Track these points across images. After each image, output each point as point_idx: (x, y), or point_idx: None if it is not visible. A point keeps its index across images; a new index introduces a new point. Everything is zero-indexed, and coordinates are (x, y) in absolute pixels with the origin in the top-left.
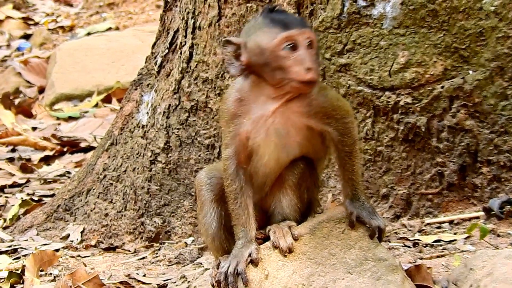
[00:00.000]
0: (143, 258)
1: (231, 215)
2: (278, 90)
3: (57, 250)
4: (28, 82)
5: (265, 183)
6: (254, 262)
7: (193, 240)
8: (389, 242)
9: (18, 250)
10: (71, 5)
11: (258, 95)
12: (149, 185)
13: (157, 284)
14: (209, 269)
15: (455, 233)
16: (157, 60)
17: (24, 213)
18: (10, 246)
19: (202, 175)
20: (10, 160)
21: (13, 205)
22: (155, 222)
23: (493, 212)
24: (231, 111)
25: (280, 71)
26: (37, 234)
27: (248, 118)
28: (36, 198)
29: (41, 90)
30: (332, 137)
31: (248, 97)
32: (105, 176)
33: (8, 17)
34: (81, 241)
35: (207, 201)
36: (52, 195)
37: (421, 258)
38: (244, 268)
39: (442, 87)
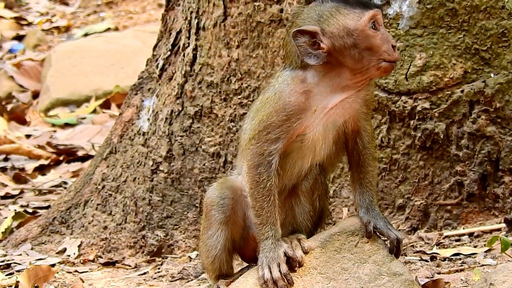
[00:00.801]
0: (145, 273)
1: (257, 213)
2: (358, 76)
3: (53, 265)
4: (21, 86)
5: (286, 188)
6: (293, 260)
7: (197, 254)
8: (406, 255)
9: (12, 265)
10: (67, 4)
11: (327, 86)
12: (151, 196)
13: None
14: None
15: (475, 246)
16: (158, 63)
17: (18, 226)
18: (3, 261)
19: (214, 193)
20: (3, 169)
21: (6, 217)
22: (157, 235)
23: None
24: (295, 104)
25: (369, 51)
26: (32, 248)
27: (312, 112)
28: (30, 210)
29: (35, 95)
30: (362, 136)
31: (313, 89)
32: (103, 187)
33: None
34: (79, 256)
35: (216, 222)
36: (48, 207)
37: (439, 273)
38: (287, 269)
39: (462, 91)
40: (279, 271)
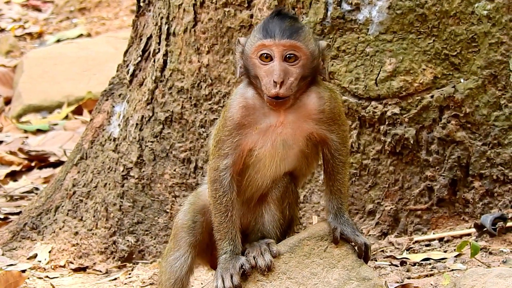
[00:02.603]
0: (115, 279)
1: (216, 228)
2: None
3: (23, 271)
4: None
5: (253, 198)
6: (247, 274)
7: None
8: (376, 260)
9: None
10: (39, 10)
11: (263, 103)
12: (121, 202)
13: None
14: None
15: (445, 251)
16: (129, 69)
17: None
18: None
19: (186, 216)
20: None
21: None
22: (128, 240)
23: (485, 229)
24: (236, 119)
25: (257, 79)
26: (2, 254)
27: (255, 128)
28: (1, 216)
29: (7, 101)
30: (330, 146)
31: (254, 105)
32: (74, 192)
33: None
34: (50, 261)
35: (185, 244)
36: (19, 213)
37: (408, 278)
38: (239, 281)
39: (432, 96)
40: (231, 281)
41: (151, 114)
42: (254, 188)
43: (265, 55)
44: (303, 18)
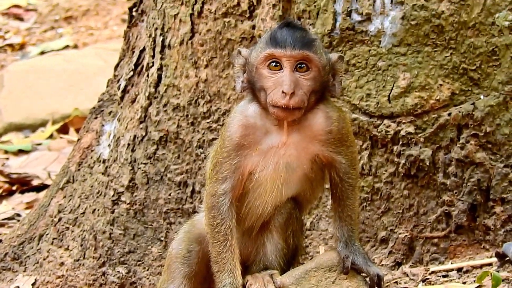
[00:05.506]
0: None
1: (214, 259)
2: (270, 115)
3: None
4: None
5: (254, 226)
6: None
7: None
8: None
9: None
10: (21, 19)
11: (266, 121)
12: (112, 229)
13: None
14: None
15: (464, 283)
16: (120, 84)
17: None
18: None
19: (181, 245)
20: None
21: None
22: (118, 272)
23: (507, 258)
24: (235, 140)
25: (263, 91)
26: None
27: (255, 149)
28: None
29: None
30: (338, 169)
31: (255, 124)
32: (60, 219)
33: None
34: None
35: (179, 276)
36: None
37: None
38: None
39: (449, 114)
40: None
41: (144, 134)
42: (254, 215)
43: (274, 63)
44: (309, 29)
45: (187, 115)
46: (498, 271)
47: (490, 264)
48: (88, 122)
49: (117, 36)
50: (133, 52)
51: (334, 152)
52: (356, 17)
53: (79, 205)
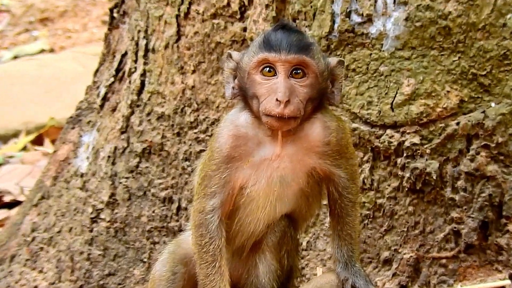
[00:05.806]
0: None
1: (202, 282)
2: (263, 124)
3: None
4: None
5: (245, 245)
6: None
7: None
8: None
9: None
10: None
11: (258, 131)
12: (90, 250)
13: None
14: None
15: None
16: (100, 91)
17: None
18: None
19: (165, 267)
20: None
21: None
22: None
23: None
24: (225, 151)
25: (255, 99)
26: None
27: (247, 161)
28: None
29: None
30: (337, 184)
31: (246, 134)
32: (34, 239)
33: None
34: None
35: None
36: None
37: None
38: None
39: (458, 123)
40: None
41: (125, 145)
42: (246, 234)
43: (268, 68)
44: (305, 32)
45: (172, 125)
46: None
47: (503, 287)
48: (64, 132)
49: (97, 39)
50: (114, 57)
51: (333, 165)
52: (356, 18)
53: (55, 223)
